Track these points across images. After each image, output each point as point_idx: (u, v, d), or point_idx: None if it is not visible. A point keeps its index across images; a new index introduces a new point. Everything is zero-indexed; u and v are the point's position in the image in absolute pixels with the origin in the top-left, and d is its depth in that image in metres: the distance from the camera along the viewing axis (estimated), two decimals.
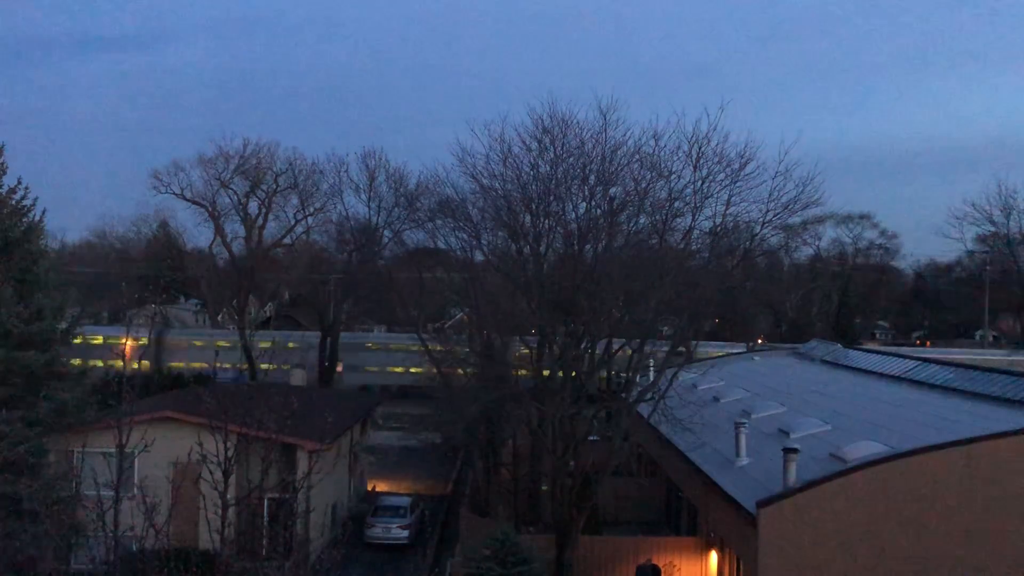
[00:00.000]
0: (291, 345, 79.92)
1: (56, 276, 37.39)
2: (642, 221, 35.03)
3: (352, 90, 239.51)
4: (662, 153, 32.52)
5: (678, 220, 33.60)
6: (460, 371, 41.59)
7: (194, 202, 79.75)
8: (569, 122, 33.60)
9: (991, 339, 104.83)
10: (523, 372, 39.81)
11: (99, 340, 66.93)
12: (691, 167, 31.84)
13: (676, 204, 32.98)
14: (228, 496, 16.12)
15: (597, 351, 34.38)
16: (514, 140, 34.31)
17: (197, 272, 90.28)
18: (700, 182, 31.90)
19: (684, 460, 34.10)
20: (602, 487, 34.45)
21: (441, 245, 45.28)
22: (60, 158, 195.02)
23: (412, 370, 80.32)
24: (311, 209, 78.42)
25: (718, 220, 32.75)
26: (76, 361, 38.93)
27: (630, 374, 34.18)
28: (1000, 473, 25.35)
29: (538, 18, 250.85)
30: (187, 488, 16.94)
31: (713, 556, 31.34)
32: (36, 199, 34.39)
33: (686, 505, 35.89)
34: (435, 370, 43.40)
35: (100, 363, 56.16)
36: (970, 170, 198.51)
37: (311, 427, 32.34)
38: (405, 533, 39.98)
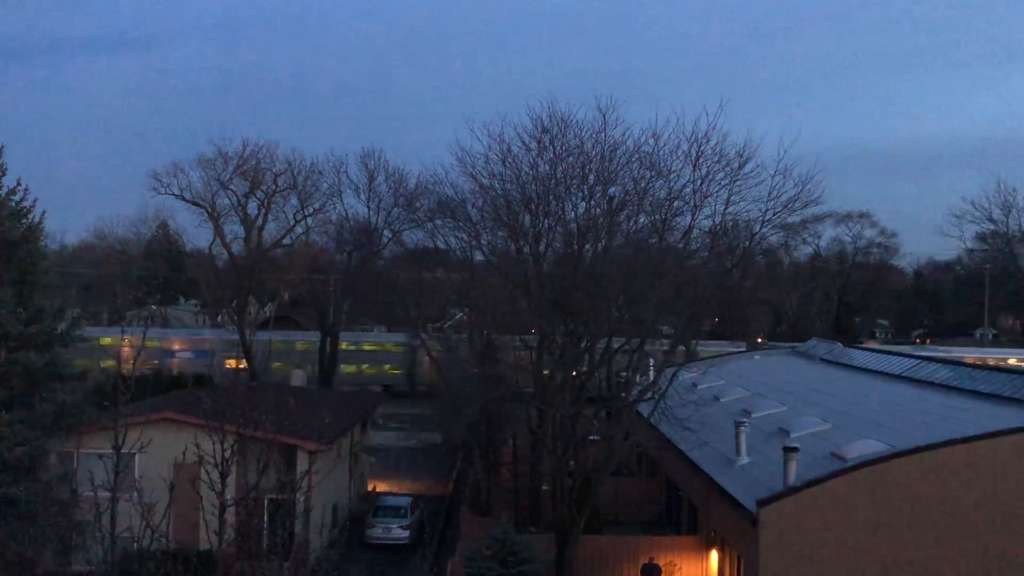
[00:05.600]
0: (300, 345, 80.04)
1: (56, 277, 37.25)
2: (641, 220, 35.04)
3: (352, 90, 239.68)
4: (661, 152, 32.53)
5: (677, 219, 33.62)
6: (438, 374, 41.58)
7: (193, 203, 79.65)
8: (568, 122, 33.62)
9: (991, 337, 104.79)
10: (523, 371, 39.77)
11: (100, 341, 66.99)
12: (690, 166, 31.81)
13: (675, 203, 32.96)
14: (227, 496, 16.11)
15: (597, 351, 34.36)
16: (513, 140, 34.36)
17: (197, 273, 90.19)
18: (699, 181, 31.86)
19: (684, 459, 34.08)
20: (602, 487, 34.40)
21: (441, 245, 45.45)
22: (60, 159, 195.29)
23: (389, 369, 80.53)
24: (310, 209, 78.38)
25: (717, 219, 32.72)
26: (78, 361, 38.90)
27: (630, 374, 34.16)
28: (1000, 471, 25.35)
29: (538, 18, 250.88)
30: (187, 489, 16.90)
31: (714, 555, 31.32)
32: (36, 200, 34.30)
33: (686, 504, 35.86)
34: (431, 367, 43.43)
35: (96, 363, 56.17)
36: (970, 168, 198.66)
37: (311, 427, 32.31)
38: (405, 533, 39.92)
